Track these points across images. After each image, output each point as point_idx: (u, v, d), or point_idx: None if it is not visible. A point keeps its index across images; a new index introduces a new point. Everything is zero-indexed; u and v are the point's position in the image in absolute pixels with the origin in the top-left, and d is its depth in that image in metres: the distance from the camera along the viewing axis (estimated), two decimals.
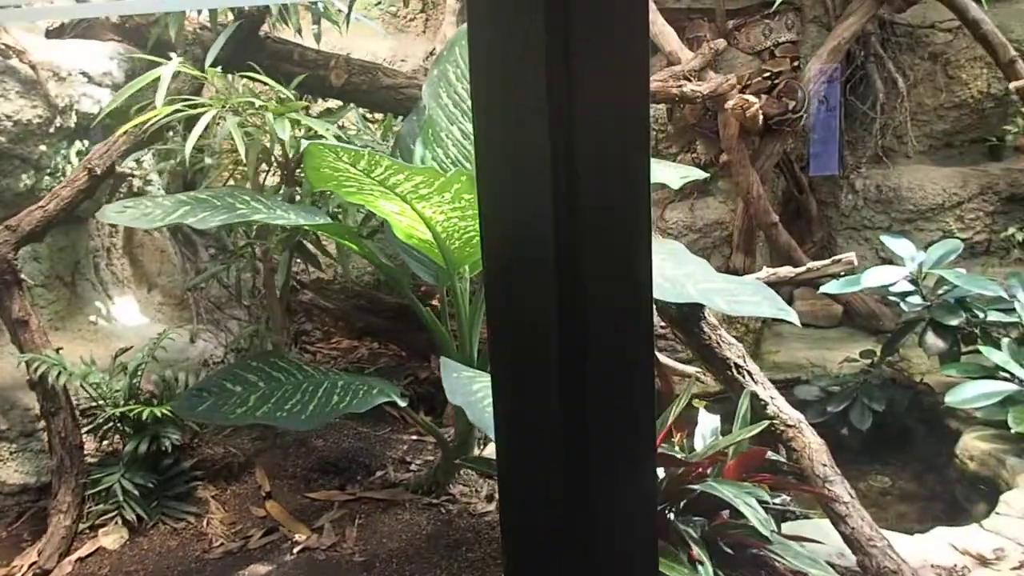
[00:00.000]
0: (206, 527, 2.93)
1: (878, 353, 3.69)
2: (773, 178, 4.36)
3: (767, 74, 3.81)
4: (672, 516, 2.30)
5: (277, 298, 3.48)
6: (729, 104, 3.37)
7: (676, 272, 2.45)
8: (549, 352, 0.77)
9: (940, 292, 3.35)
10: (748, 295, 2.38)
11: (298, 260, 3.34)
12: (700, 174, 3.09)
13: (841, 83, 4.10)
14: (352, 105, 3.32)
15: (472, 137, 2.82)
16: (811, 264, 2.69)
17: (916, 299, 3.34)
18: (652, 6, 3.83)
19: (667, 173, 2.96)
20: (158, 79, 2.68)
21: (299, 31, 3.60)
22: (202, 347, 4.01)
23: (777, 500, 2.43)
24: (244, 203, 2.56)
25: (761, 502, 2.34)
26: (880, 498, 3.33)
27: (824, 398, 3.70)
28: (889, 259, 4.03)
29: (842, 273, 2.79)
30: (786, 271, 2.67)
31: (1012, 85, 4.09)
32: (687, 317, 2.67)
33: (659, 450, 2.33)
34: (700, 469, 2.26)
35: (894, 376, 3.70)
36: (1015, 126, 3.80)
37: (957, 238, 4.09)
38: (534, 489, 0.81)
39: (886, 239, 3.52)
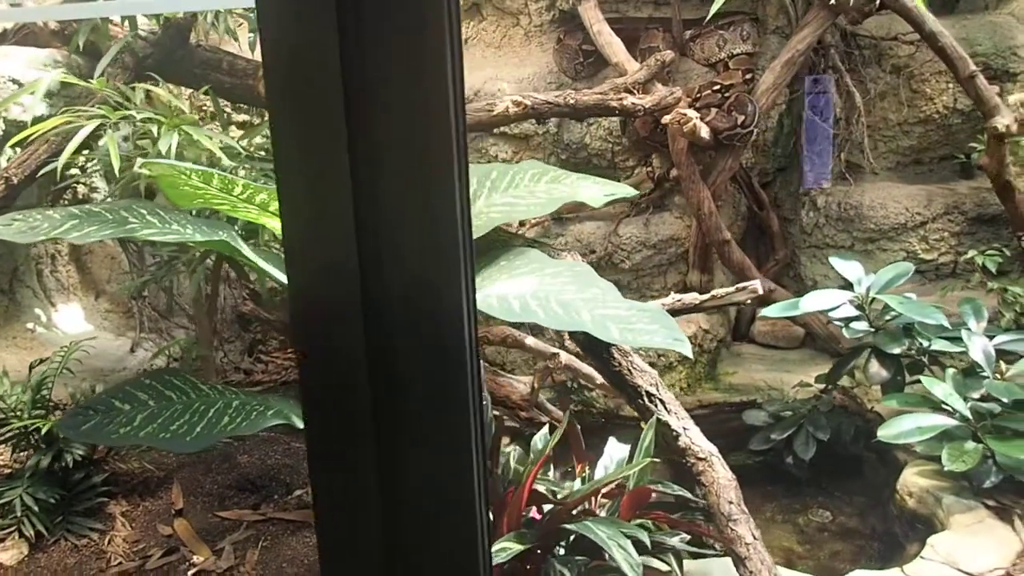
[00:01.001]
0: (108, 545, 2.87)
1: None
2: (735, 194, 4.23)
3: (717, 87, 3.67)
4: (556, 554, 2.19)
5: (204, 310, 3.42)
6: (666, 118, 3.25)
7: (575, 297, 2.34)
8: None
9: (887, 318, 3.19)
10: (646, 323, 2.26)
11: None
12: (628, 191, 2.97)
13: (805, 95, 3.96)
14: None
15: None
16: (716, 291, 2.56)
17: (862, 325, 3.19)
18: (599, 16, 3.72)
19: (590, 191, 2.85)
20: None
21: (235, 38, 3.55)
22: (142, 357, 3.97)
23: (675, 539, 2.31)
24: (138, 217, 2.50)
25: (655, 542, 2.23)
26: (817, 534, 3.19)
27: (772, 424, 3.55)
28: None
29: (747, 301, 2.65)
30: (691, 298, 2.55)
31: (1012, 99, 3.92)
32: (595, 342, 2.56)
33: (538, 483, 2.23)
34: (578, 506, 2.15)
35: (844, 403, 3.54)
36: (980, 143, 3.63)
37: (921, 259, 3.93)
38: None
39: (835, 260, 3.37)
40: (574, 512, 2.22)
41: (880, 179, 4.13)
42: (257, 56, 3.67)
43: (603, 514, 2.35)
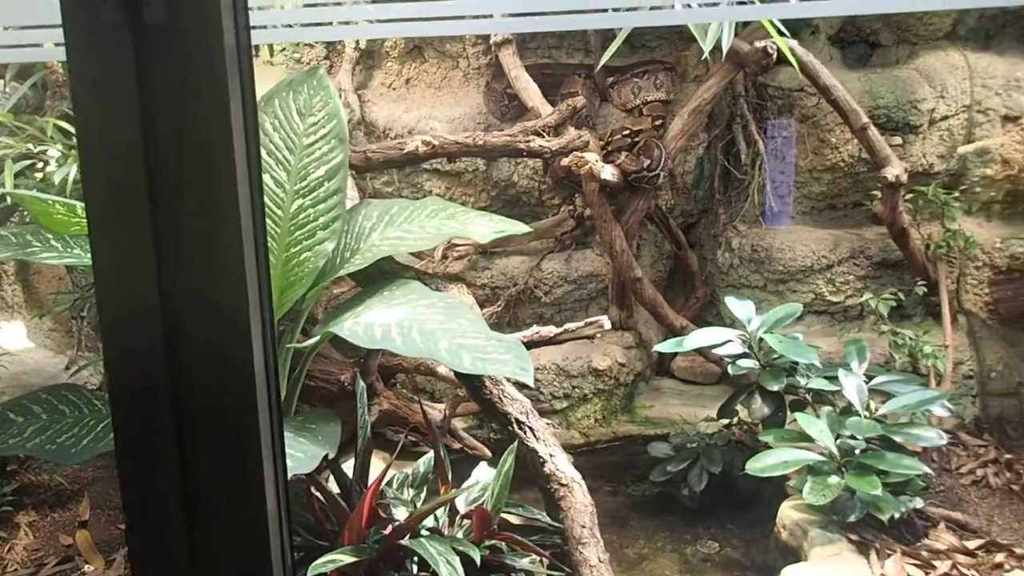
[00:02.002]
0: (7, 553, 3.00)
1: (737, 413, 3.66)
2: (656, 234, 4.39)
3: (627, 131, 3.85)
4: (402, 569, 2.32)
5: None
6: (565, 160, 3.42)
7: (439, 327, 2.49)
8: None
9: (774, 357, 3.33)
10: (500, 353, 2.41)
11: None
12: (519, 228, 3.13)
13: (715, 142, 4.14)
14: None
15: (287, 185, 2.91)
16: (567, 325, 2.71)
17: (748, 362, 3.32)
18: (517, 62, 3.92)
19: (480, 227, 3.02)
20: None
21: None
22: (80, 376, 4.13)
23: (526, 560, 2.43)
24: (43, 241, 2.68)
25: (501, 562, 2.35)
26: (700, 564, 3.28)
27: (672, 456, 3.67)
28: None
29: (596, 336, 2.79)
30: (548, 331, 2.70)
31: (963, 150, 4.09)
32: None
33: (403, 506, 2.36)
34: (419, 523, 2.27)
35: (742, 438, 3.66)
36: (880, 191, 3.78)
37: (828, 301, 4.08)
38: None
39: (730, 300, 3.52)
40: (423, 530, 2.34)
41: (795, 223, 4.28)
42: None
43: (459, 534, 2.48)
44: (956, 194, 3.85)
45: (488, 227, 3.05)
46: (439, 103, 4.53)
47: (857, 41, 4.35)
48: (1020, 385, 3.87)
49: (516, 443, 2.62)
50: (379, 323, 2.48)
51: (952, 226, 3.82)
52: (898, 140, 3.98)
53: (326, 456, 2.28)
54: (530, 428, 2.73)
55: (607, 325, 2.65)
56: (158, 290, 1.01)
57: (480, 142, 3.42)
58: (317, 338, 2.66)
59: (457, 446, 3.82)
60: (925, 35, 4.18)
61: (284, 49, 4.68)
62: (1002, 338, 3.94)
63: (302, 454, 2.23)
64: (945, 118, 4.01)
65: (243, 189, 1.06)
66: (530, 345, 2.68)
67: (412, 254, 4.22)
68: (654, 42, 4.31)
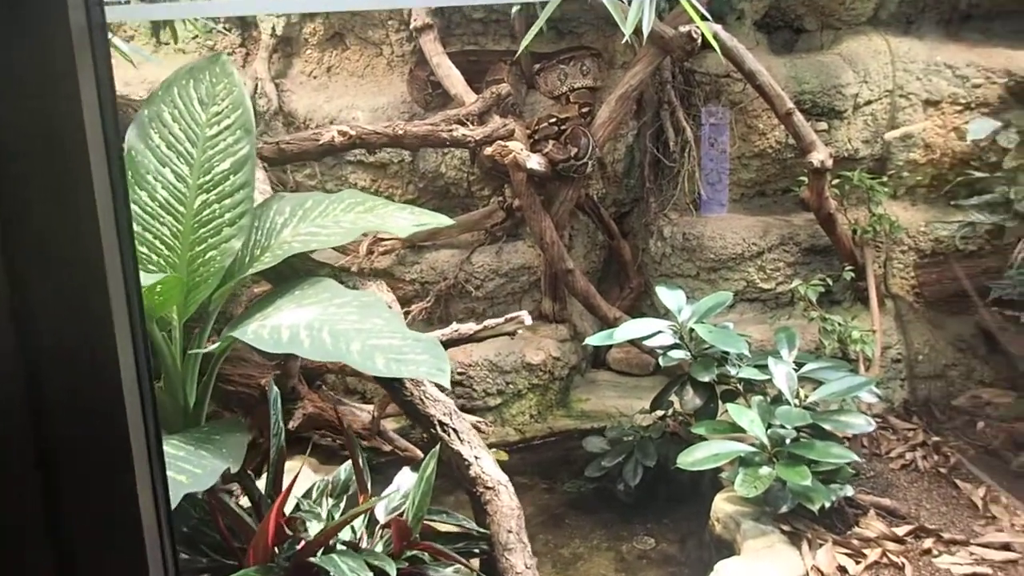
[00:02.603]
0: None
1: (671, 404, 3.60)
2: (588, 224, 4.31)
3: (554, 119, 3.76)
4: None
5: None
6: (488, 149, 3.31)
7: (351, 327, 2.35)
8: None
9: (705, 347, 3.28)
10: (416, 353, 2.28)
11: None
12: (443, 221, 3.00)
13: (644, 129, 4.07)
14: None
15: (190, 180, 2.72)
16: (487, 322, 2.60)
17: (679, 353, 3.26)
18: (438, 48, 3.78)
19: (398, 221, 2.88)
20: None
21: None
22: None
23: (449, 570, 2.31)
24: None
25: (421, 573, 2.23)
26: (636, 561, 3.22)
27: (608, 451, 3.60)
28: None
29: (516, 332, 2.70)
30: (467, 328, 2.58)
31: (889, 135, 4.08)
32: None
33: (291, 516, 2.21)
34: (331, 539, 2.14)
35: (676, 430, 3.61)
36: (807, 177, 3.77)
37: (760, 288, 4.05)
38: None
39: (660, 290, 3.46)
40: (339, 544, 2.21)
41: (726, 211, 4.25)
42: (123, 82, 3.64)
43: (379, 546, 2.35)
44: (882, 179, 3.86)
45: (408, 220, 2.91)
46: (362, 92, 4.35)
47: (782, 26, 4.34)
48: (946, 368, 3.92)
49: (438, 447, 2.50)
50: (287, 325, 2.33)
51: (878, 211, 3.83)
52: (824, 125, 3.98)
53: (229, 469, 2.12)
54: (453, 430, 2.62)
55: (528, 321, 2.55)
56: (9, 298, 0.89)
57: (400, 132, 3.28)
58: (218, 344, 2.49)
59: (388, 448, 3.69)
60: (848, 20, 4.19)
61: (196, 36, 4.43)
62: (928, 321, 3.99)
63: (201, 469, 2.06)
64: (869, 103, 4.03)
65: (101, 184, 0.95)
66: (449, 343, 2.56)
67: (337, 249, 4.05)
68: (581, 28, 4.22)
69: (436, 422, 2.62)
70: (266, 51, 4.30)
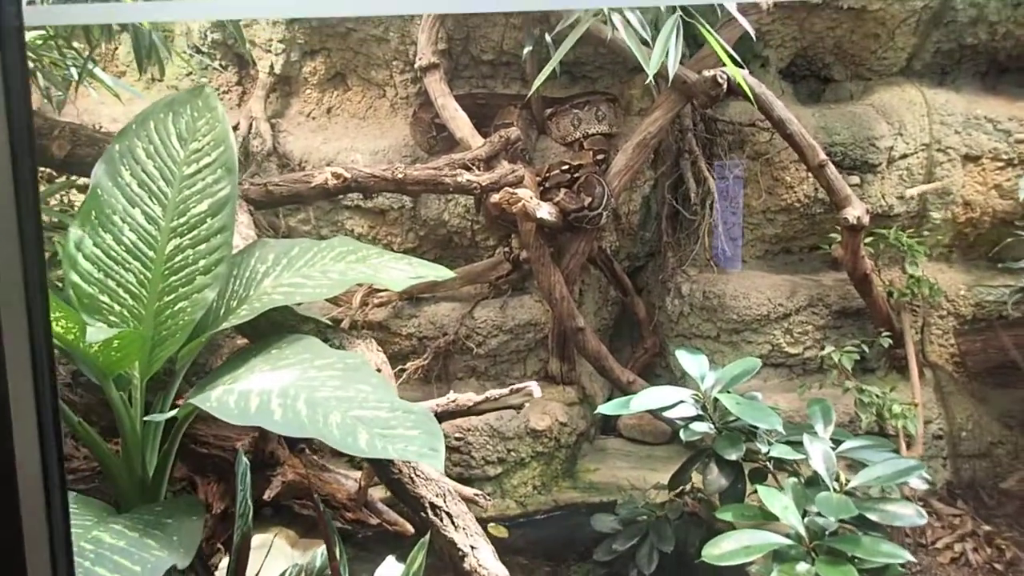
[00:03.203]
0: None
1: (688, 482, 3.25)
2: (600, 279, 4.02)
3: (566, 166, 3.49)
4: None
5: None
6: (495, 197, 3.04)
7: (332, 395, 2.03)
8: None
9: (730, 419, 2.95)
10: (406, 428, 1.96)
11: None
12: (444, 273, 2.70)
13: (662, 180, 3.81)
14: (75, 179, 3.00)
15: (162, 222, 2.44)
16: (490, 393, 2.28)
17: (703, 426, 2.93)
18: (444, 90, 3.54)
19: (393, 273, 2.58)
20: None
21: (47, 98, 3.29)
22: None
23: None
24: None
25: None
26: None
27: (619, 531, 3.23)
28: None
29: (523, 405, 2.38)
30: (466, 399, 2.26)
31: (911, 192, 3.80)
32: None
33: None
34: None
35: (695, 510, 3.25)
36: (839, 234, 3.49)
37: (786, 352, 3.74)
38: None
39: (680, 354, 3.14)
40: None
41: (748, 268, 3.96)
42: (60, 116, 3.41)
43: None
44: (920, 238, 3.57)
45: (404, 272, 2.61)
46: (362, 134, 4.12)
47: (808, 76, 4.11)
48: (992, 446, 3.57)
49: (429, 535, 2.16)
50: (257, 391, 2.01)
51: (916, 272, 3.53)
52: (856, 180, 3.71)
53: (175, 568, 1.79)
54: (447, 514, 2.27)
55: (537, 393, 2.23)
56: None
57: (400, 175, 3.01)
58: (176, 411, 2.17)
59: (375, 522, 3.32)
60: (879, 70, 3.96)
61: (191, 73, 4.22)
62: (971, 394, 3.65)
63: (140, 566, 1.73)
64: (904, 156, 3.77)
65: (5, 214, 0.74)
66: (444, 416, 2.25)
67: (329, 300, 3.76)
68: (596, 72, 4.00)
69: (427, 504, 2.28)
70: (263, 89, 4.08)
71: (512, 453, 3.66)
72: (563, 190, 3.44)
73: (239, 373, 2.25)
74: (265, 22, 3.96)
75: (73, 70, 3.17)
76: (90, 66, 3.08)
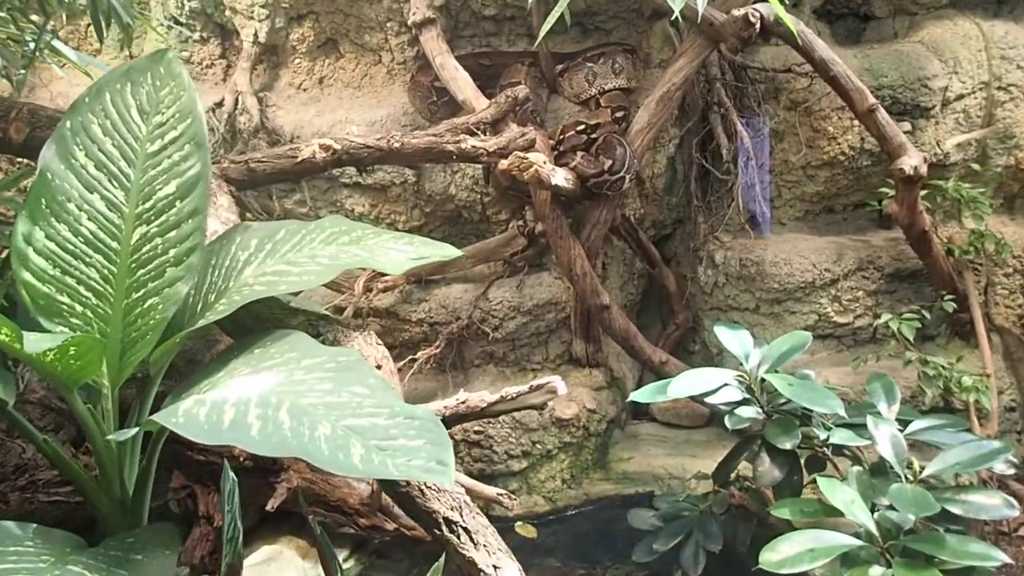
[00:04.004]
0: None
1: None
2: (624, 250, 3.67)
3: (582, 127, 3.14)
4: None
5: None
6: (503, 163, 2.69)
7: (321, 401, 1.73)
8: None
9: (781, 401, 2.61)
10: (409, 438, 1.65)
11: None
12: (449, 252, 2.38)
13: (689, 137, 3.44)
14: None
15: (125, 208, 2.13)
16: (506, 391, 1.95)
17: (750, 411, 2.60)
18: (441, 47, 3.19)
19: (392, 255, 2.27)
20: None
21: (6, 77, 2.97)
22: None
23: None
24: None
25: None
26: None
27: (659, 528, 2.92)
28: None
29: (545, 404, 2.05)
30: (478, 399, 1.94)
31: (948, 144, 3.42)
32: None
33: None
34: None
35: (744, 502, 2.92)
36: (891, 188, 3.11)
37: (835, 322, 3.39)
38: None
39: (720, 330, 2.80)
40: None
41: (788, 230, 3.60)
42: (34, 99, 3.11)
43: None
44: (981, 188, 3.19)
45: (404, 253, 2.29)
46: (358, 105, 3.77)
47: (846, 14, 3.71)
48: None
49: (443, 557, 1.86)
50: (233, 401, 1.71)
51: (979, 226, 3.15)
52: (907, 126, 3.32)
53: None
54: (465, 530, 1.97)
55: (562, 390, 1.90)
56: None
57: (396, 144, 2.68)
58: (135, 430, 1.87)
59: (391, 527, 3.04)
60: (926, 3, 3.55)
61: (171, 47, 3.89)
62: None
63: None
64: (960, 97, 3.37)
65: None
66: (453, 420, 1.93)
67: (329, 286, 3.45)
68: (610, 23, 3.62)
69: (441, 520, 1.98)
70: (248, 61, 3.74)
71: (537, 445, 3.35)
72: (580, 153, 3.08)
73: (217, 378, 1.95)
74: None
75: (33, 46, 2.86)
76: (49, 39, 2.77)
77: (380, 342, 2.25)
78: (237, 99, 3.67)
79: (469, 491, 2.84)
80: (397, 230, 3.79)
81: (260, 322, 2.27)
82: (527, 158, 2.63)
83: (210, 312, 2.15)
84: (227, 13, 3.75)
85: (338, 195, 3.68)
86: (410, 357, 3.30)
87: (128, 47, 3.31)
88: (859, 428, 2.50)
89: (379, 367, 2.11)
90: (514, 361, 3.64)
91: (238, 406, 1.69)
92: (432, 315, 3.55)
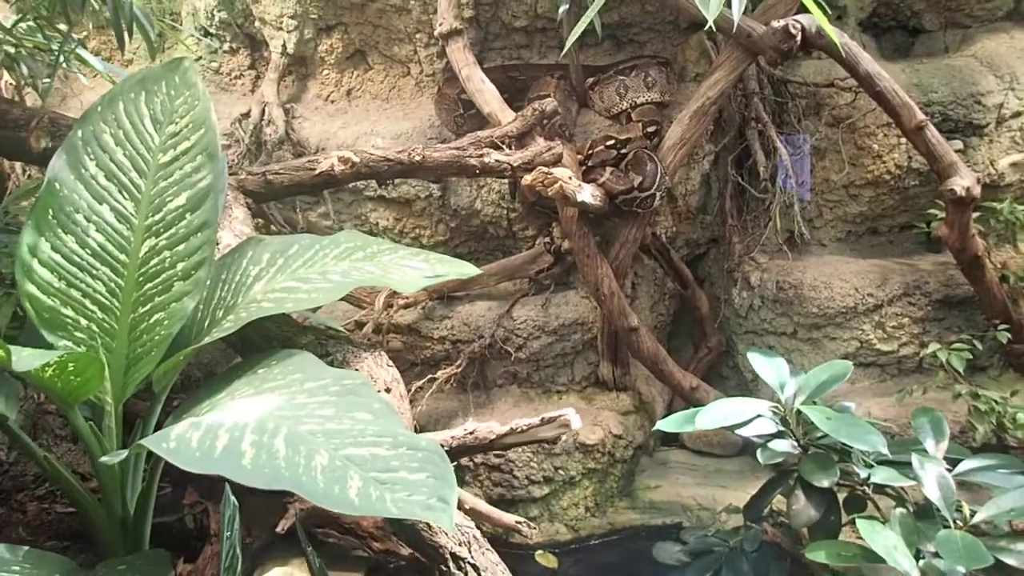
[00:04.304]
0: None
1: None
2: (655, 269, 3.53)
3: (611, 142, 3.02)
4: None
5: None
6: (526, 178, 2.58)
7: (322, 428, 1.64)
8: None
9: (818, 435, 2.44)
10: (411, 471, 1.55)
11: None
12: (467, 270, 2.28)
13: (725, 153, 3.30)
14: None
15: (134, 219, 2.07)
16: (517, 423, 1.83)
17: (784, 445, 2.43)
18: (468, 59, 3.10)
19: (406, 273, 2.17)
20: None
21: (28, 85, 2.97)
22: None
23: None
24: None
25: None
26: None
27: (686, 564, 2.76)
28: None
29: (558, 439, 1.92)
30: (487, 430, 1.82)
31: (1004, 162, 3.24)
32: None
33: None
34: None
35: (776, 539, 2.75)
36: (940, 209, 2.93)
37: (878, 350, 3.20)
38: None
39: (753, 357, 2.64)
40: None
41: (828, 252, 3.43)
42: (66, 110, 3.09)
43: None
44: None
45: (418, 271, 2.20)
46: (385, 117, 3.71)
47: (894, 27, 3.54)
48: None
49: None
50: (228, 425, 1.62)
51: None
52: (958, 144, 3.13)
53: None
54: (473, 567, 1.85)
55: (576, 424, 1.77)
56: None
57: (417, 158, 2.60)
58: (124, 452, 1.79)
59: (406, 551, 2.93)
60: (981, 15, 3.37)
61: (200, 58, 3.88)
62: None
63: None
64: (1017, 114, 3.18)
65: None
66: (459, 451, 1.81)
67: (349, 301, 3.38)
68: (644, 35, 3.50)
69: (448, 555, 1.86)
70: (276, 72, 3.71)
71: (560, 471, 3.22)
72: (609, 169, 2.97)
73: (218, 399, 1.87)
74: None
75: (62, 58, 2.85)
76: (73, 47, 2.75)
77: (391, 363, 2.15)
78: (263, 110, 3.63)
79: (487, 518, 2.72)
80: (422, 245, 3.72)
81: (268, 340, 2.19)
82: (552, 173, 2.52)
83: (216, 329, 2.07)
84: (256, 24, 3.72)
85: (362, 208, 3.61)
86: (429, 376, 3.20)
87: (155, 56, 3.28)
88: (903, 467, 2.32)
89: (388, 390, 2.01)
90: (538, 382, 3.52)
91: (233, 431, 1.60)
92: (455, 333, 3.44)
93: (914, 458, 2.29)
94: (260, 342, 2.19)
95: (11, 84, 3.23)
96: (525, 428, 1.77)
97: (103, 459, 1.85)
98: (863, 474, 2.34)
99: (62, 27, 2.84)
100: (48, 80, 2.93)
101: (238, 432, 1.60)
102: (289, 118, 3.64)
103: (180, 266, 2.10)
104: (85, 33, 3.48)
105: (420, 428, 3.48)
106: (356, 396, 1.77)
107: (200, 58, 3.88)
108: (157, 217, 2.14)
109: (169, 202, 2.14)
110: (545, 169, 2.52)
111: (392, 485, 1.51)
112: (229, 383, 1.94)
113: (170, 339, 2.05)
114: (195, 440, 1.58)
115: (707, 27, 2.20)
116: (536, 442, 1.85)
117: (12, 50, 2.85)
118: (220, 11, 3.72)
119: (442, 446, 1.75)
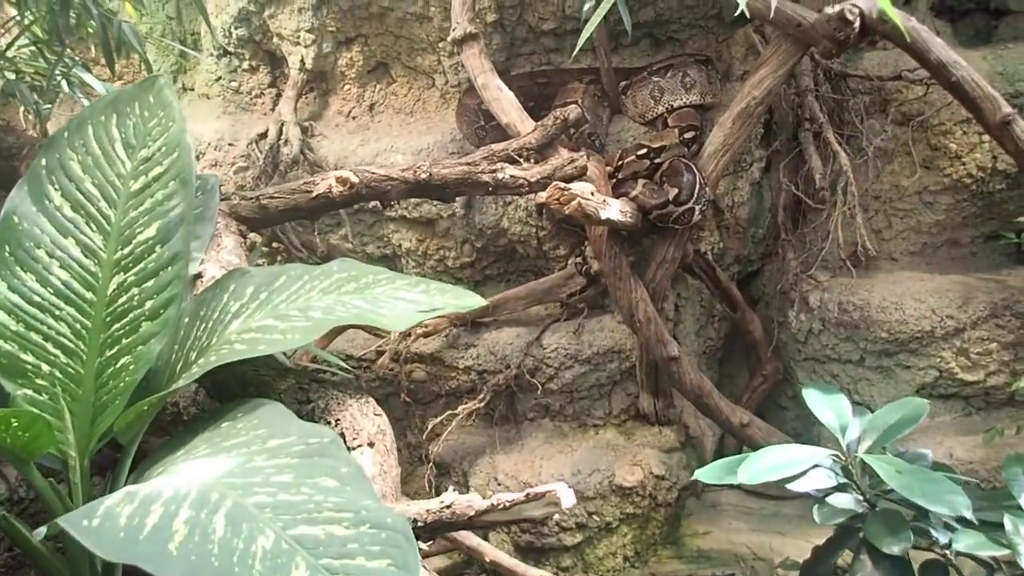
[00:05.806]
0: None
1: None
2: (700, 290, 3.19)
3: (644, 150, 2.71)
4: None
5: None
6: (541, 195, 2.30)
7: (272, 500, 1.40)
8: None
9: (887, 489, 2.07)
10: (369, 556, 1.29)
11: None
12: (470, 302, 2.01)
13: (777, 159, 2.94)
14: None
15: (103, 253, 1.88)
16: (498, 498, 1.51)
17: (847, 499, 2.07)
18: (483, 65, 2.83)
19: (395, 307, 1.91)
20: None
21: (30, 111, 2.86)
22: None
23: None
24: None
25: None
26: None
27: None
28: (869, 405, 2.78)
29: (547, 516, 1.61)
30: (465, 504, 1.52)
31: None
32: None
33: None
34: None
35: None
36: None
37: (960, 380, 2.79)
38: None
39: (809, 394, 2.29)
40: None
41: (900, 268, 3.02)
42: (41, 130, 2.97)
43: None
44: None
45: (413, 305, 1.94)
46: (406, 132, 3.49)
47: (972, 9, 3.12)
48: None
49: None
50: (166, 496, 1.39)
51: None
52: None
53: None
54: None
55: (567, 502, 1.47)
56: None
57: (423, 176, 2.35)
58: (43, 529, 1.58)
59: None
60: None
61: (220, 79, 3.75)
62: None
63: None
64: None
65: None
66: (436, 527, 1.53)
67: (370, 332, 3.16)
68: (684, 32, 3.18)
69: None
70: (294, 89, 3.53)
71: (595, 516, 2.91)
72: (641, 181, 2.66)
73: (174, 458, 1.65)
74: (289, 9, 3.41)
75: (64, 82, 2.73)
76: (69, 69, 2.62)
77: (380, 411, 1.90)
78: (281, 129, 3.46)
79: (510, 572, 2.43)
80: (447, 267, 3.48)
81: (245, 385, 1.97)
82: (569, 189, 2.23)
83: (186, 375, 1.86)
84: (275, 40, 3.56)
85: (384, 229, 3.40)
86: (449, 412, 2.94)
87: (149, 70, 3.14)
88: (994, 528, 1.94)
89: (371, 444, 1.76)
90: (572, 415, 3.22)
91: (169, 505, 1.37)
92: (480, 362, 3.18)
93: (1007, 520, 1.90)
94: (236, 387, 1.97)
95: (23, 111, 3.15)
96: (508, 504, 1.49)
97: (34, 533, 1.64)
98: (943, 539, 1.96)
99: (69, 51, 2.72)
100: (48, 107, 2.82)
101: (174, 506, 1.37)
102: (307, 136, 3.46)
103: (148, 304, 1.90)
104: (85, 56, 3.38)
105: (441, 465, 3.24)
106: (321, 458, 1.52)
107: (220, 78, 3.75)
108: (126, 250, 1.95)
109: (139, 233, 1.95)
110: (561, 185, 2.23)
111: (348, 571, 1.25)
112: (192, 438, 1.72)
113: (134, 386, 1.85)
114: (124, 516, 1.35)
115: (752, 20, 1.88)
116: (522, 521, 1.57)
117: (13, 76, 2.75)
118: (237, 28, 3.57)
119: (415, 521, 1.48)
